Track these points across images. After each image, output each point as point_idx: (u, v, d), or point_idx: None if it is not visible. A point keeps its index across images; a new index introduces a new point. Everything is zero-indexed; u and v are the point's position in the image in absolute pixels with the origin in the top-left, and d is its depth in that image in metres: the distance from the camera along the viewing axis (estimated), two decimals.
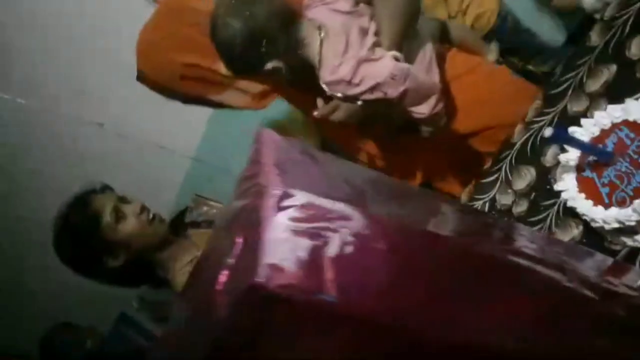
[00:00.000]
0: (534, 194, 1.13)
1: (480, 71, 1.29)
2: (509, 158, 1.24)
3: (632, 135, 0.92)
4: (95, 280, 1.47)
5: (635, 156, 0.90)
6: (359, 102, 1.16)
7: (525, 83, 1.39)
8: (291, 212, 0.42)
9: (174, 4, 1.42)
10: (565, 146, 1.01)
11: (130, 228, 1.39)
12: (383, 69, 1.12)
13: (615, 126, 0.95)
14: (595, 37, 1.16)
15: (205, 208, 1.64)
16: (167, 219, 1.53)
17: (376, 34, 1.16)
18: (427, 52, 1.20)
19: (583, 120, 1.00)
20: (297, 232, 0.41)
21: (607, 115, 0.97)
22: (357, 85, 1.13)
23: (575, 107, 1.13)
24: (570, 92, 1.16)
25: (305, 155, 0.56)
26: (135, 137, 2.27)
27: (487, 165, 1.29)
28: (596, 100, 1.09)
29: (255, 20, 1.11)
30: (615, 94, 1.04)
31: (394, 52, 1.16)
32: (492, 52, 1.45)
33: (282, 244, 0.40)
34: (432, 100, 1.18)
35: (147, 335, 2.15)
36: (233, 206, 0.51)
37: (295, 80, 1.21)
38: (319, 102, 1.19)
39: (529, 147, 1.21)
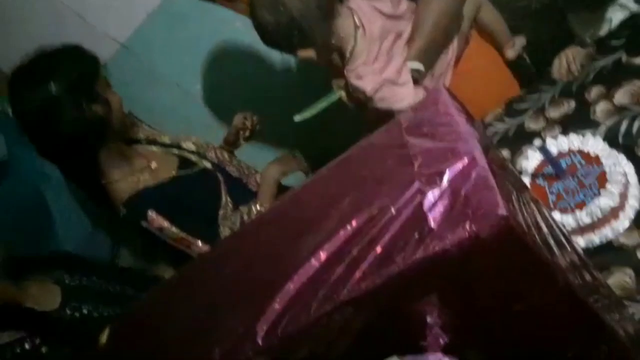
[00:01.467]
0: None
1: (485, 72, 1.45)
2: None
3: (583, 162, 1.18)
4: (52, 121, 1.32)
5: (582, 179, 1.16)
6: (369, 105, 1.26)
7: (516, 87, 1.52)
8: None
9: None
10: (529, 155, 1.24)
11: (116, 99, 1.37)
12: (403, 98, 1.22)
13: (571, 152, 1.20)
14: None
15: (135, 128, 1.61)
16: None
17: (409, 40, 1.24)
18: (450, 53, 1.32)
19: (548, 140, 1.23)
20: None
21: (568, 142, 1.21)
22: (374, 101, 1.23)
23: (532, 125, 1.38)
24: (531, 111, 1.39)
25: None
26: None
27: None
28: (552, 125, 1.34)
29: (287, 15, 1.14)
30: (569, 125, 1.30)
31: (416, 64, 1.25)
32: (516, 48, 1.49)
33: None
34: None
35: None
36: (399, 139, 0.59)
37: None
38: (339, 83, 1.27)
39: None
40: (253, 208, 1.45)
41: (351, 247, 0.54)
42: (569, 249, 0.83)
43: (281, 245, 0.64)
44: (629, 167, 1.16)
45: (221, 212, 1.41)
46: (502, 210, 0.47)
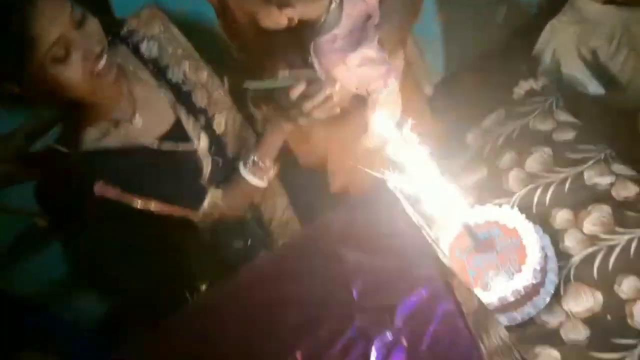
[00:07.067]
0: None
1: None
2: None
3: (501, 234, 1.12)
4: None
5: (502, 252, 1.09)
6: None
7: None
8: None
9: None
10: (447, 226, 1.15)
11: None
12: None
13: (488, 224, 1.14)
14: (471, 139, 1.37)
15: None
16: None
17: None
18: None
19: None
20: None
21: (484, 214, 1.15)
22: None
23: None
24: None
25: None
26: None
27: None
28: (466, 193, 1.27)
29: None
30: (483, 193, 1.25)
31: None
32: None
33: None
34: None
35: None
36: (330, 249, 0.44)
37: None
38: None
39: None
40: (251, 159, 1.14)
41: None
42: (496, 327, 0.73)
43: None
44: (545, 240, 1.12)
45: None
46: None
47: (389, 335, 0.37)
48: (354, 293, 0.40)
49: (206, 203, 1.12)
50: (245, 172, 1.15)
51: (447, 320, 0.36)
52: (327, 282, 0.42)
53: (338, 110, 1.08)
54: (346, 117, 1.19)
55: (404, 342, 0.36)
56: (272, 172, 1.19)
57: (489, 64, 1.68)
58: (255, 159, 1.14)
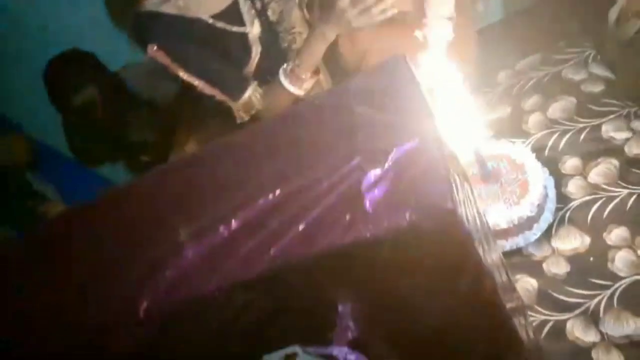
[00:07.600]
0: None
1: None
2: None
3: (508, 168, 1.17)
4: None
5: (505, 184, 1.16)
6: None
7: None
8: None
9: None
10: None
11: None
12: None
13: (498, 157, 1.19)
14: (502, 77, 1.40)
15: None
16: None
17: None
18: None
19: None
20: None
21: (496, 147, 1.20)
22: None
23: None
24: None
25: None
26: None
27: None
28: (485, 127, 1.33)
29: None
30: (501, 130, 1.30)
31: None
32: None
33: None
34: None
35: None
36: (346, 105, 0.51)
37: None
38: None
39: None
40: (290, 67, 1.17)
41: (269, 219, 0.46)
42: (493, 246, 0.81)
43: (190, 200, 0.55)
44: (549, 181, 1.18)
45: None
46: (448, 204, 0.41)
47: (379, 171, 0.45)
48: (358, 138, 0.48)
49: (246, 94, 1.18)
50: (284, 79, 1.20)
51: (431, 166, 0.43)
52: (334, 129, 0.49)
53: (396, 10, 1.08)
54: (398, 26, 1.19)
55: (389, 178, 0.44)
56: (309, 83, 1.22)
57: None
58: (294, 68, 1.19)
